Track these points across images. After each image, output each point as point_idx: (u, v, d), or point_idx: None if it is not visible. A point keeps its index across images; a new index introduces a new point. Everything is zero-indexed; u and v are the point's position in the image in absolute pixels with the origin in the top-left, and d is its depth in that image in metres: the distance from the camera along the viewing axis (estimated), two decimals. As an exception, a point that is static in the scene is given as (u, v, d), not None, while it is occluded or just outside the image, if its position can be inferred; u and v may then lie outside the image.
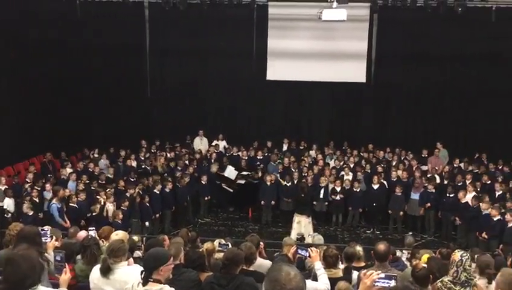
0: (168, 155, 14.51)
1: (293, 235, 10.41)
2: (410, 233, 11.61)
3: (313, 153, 15.15)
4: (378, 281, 2.92)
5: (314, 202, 12.42)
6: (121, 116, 16.36)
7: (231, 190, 13.57)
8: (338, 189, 12.71)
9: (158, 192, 11.80)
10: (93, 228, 7.00)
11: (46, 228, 5.88)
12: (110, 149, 14.79)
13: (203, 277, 4.71)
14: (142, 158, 14.15)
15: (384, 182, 12.85)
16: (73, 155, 14.91)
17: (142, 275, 3.56)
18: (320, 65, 15.65)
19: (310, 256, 5.13)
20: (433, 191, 12.24)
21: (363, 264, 6.03)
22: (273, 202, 12.84)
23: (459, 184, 12.35)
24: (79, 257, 5.20)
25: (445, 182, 12.89)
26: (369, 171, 13.52)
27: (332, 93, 16.40)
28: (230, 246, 6.27)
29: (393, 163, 14.18)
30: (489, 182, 12.51)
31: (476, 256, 6.00)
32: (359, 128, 16.58)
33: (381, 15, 15.48)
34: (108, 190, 11.16)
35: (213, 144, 15.46)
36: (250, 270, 4.96)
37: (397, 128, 16.30)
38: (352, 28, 15.17)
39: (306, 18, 15.15)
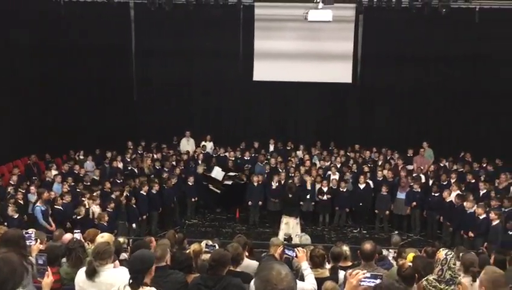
0: (155, 156, 14.43)
1: (281, 236, 10.45)
2: (396, 232, 11.69)
3: (300, 153, 15.19)
4: (364, 281, 2.94)
5: (301, 202, 12.44)
6: (107, 118, 16.25)
7: (218, 191, 13.55)
8: (325, 189, 12.76)
9: (145, 193, 11.73)
10: (79, 231, 6.94)
11: (31, 231, 5.82)
12: (96, 151, 14.66)
13: (190, 279, 4.69)
14: (129, 160, 14.05)
15: (370, 182, 12.93)
16: (58, 157, 14.74)
17: (130, 279, 3.53)
18: (307, 66, 15.71)
19: (296, 256, 5.14)
20: (419, 190, 12.35)
21: (349, 263, 6.06)
22: (260, 203, 12.84)
23: (444, 183, 12.48)
24: (64, 259, 5.15)
25: (431, 181, 13.02)
26: (355, 171, 13.60)
27: (319, 93, 16.44)
28: (217, 247, 6.25)
29: (379, 163, 14.28)
30: (473, 181, 12.66)
31: (460, 254, 6.07)
32: (345, 128, 16.67)
33: (367, 16, 15.59)
34: (95, 193, 11.06)
35: (200, 145, 15.42)
36: (237, 271, 4.96)
37: (383, 128, 16.41)
38: (338, 29, 15.26)
39: (292, 19, 15.21)
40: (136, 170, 13.47)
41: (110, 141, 15.20)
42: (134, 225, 11.25)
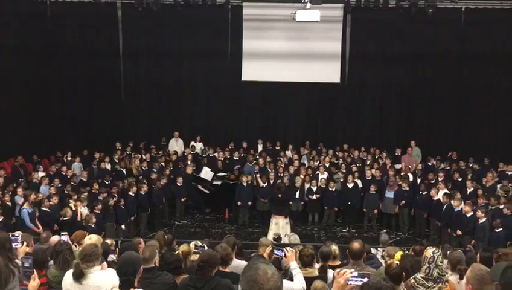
0: (143, 157, 14.36)
1: (270, 236, 10.46)
2: (385, 231, 11.76)
3: (289, 153, 15.22)
4: (351, 280, 2.94)
5: (290, 202, 12.46)
6: (95, 118, 16.14)
7: (207, 191, 13.53)
8: (314, 189, 12.80)
9: (133, 194, 11.68)
10: (66, 233, 6.87)
11: (17, 233, 5.77)
12: (84, 152, 14.55)
13: (179, 280, 4.68)
14: (117, 161, 13.96)
15: (359, 181, 12.99)
16: (45, 158, 14.60)
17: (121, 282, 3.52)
18: (295, 66, 15.75)
19: (285, 256, 5.14)
20: (407, 189, 12.44)
21: (338, 263, 6.08)
22: (249, 203, 12.84)
23: (431, 182, 12.58)
24: (51, 262, 5.10)
25: (419, 180, 13.12)
26: (344, 171, 13.66)
27: (307, 93, 16.50)
28: (206, 247, 6.24)
29: (368, 162, 14.35)
30: (460, 179, 12.77)
31: (447, 252, 6.12)
32: (334, 128, 16.74)
33: (354, 16, 15.66)
34: (82, 195, 10.97)
35: (189, 145, 15.38)
36: (226, 272, 4.95)
37: (371, 127, 16.50)
38: (326, 29, 15.32)
39: (280, 19, 15.22)
40: (124, 171, 13.40)
41: (98, 142, 15.10)
42: (123, 226, 11.19)
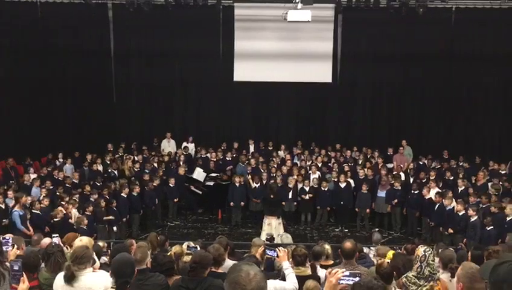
0: (135, 158, 14.31)
1: (263, 236, 10.46)
2: (377, 230, 11.81)
3: (281, 153, 15.23)
4: (343, 279, 2.96)
5: (283, 202, 12.47)
6: (86, 120, 16.05)
7: (200, 192, 13.51)
8: (307, 189, 12.82)
9: (125, 196, 11.63)
10: (57, 235, 6.83)
11: (8, 236, 5.73)
12: (75, 153, 14.47)
13: (172, 281, 4.66)
14: (109, 162, 13.90)
15: (351, 181, 13.03)
16: (36, 160, 14.50)
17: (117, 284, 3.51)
18: (287, 66, 15.75)
19: (277, 256, 5.15)
20: (399, 188, 12.49)
21: (331, 262, 6.11)
22: (242, 203, 12.84)
23: (423, 181, 12.65)
24: (43, 264, 5.07)
25: (411, 179, 13.18)
26: (336, 170, 13.69)
27: (299, 93, 16.50)
28: (198, 248, 6.24)
29: (360, 162, 14.40)
30: (452, 178, 12.85)
31: (439, 251, 6.16)
32: (326, 128, 16.76)
33: (346, 16, 15.70)
34: (75, 197, 10.91)
35: (182, 146, 15.34)
36: (219, 272, 4.94)
37: (363, 127, 16.55)
38: (317, 29, 15.34)
39: (272, 19, 15.20)
40: (116, 173, 13.34)
41: (90, 143, 15.01)
42: (115, 228, 11.13)
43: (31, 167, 13.38)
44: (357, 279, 2.93)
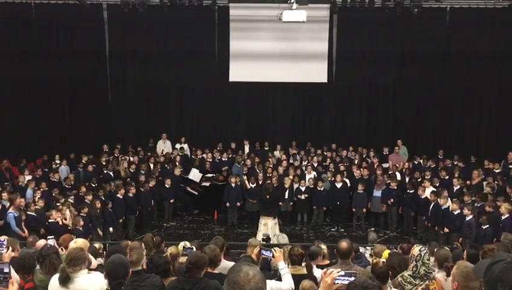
0: (131, 159, 14.27)
1: (259, 236, 10.45)
2: (373, 229, 11.83)
3: (277, 153, 15.22)
4: (338, 279, 2.96)
5: (280, 203, 12.47)
6: (82, 121, 16.00)
7: (196, 193, 13.49)
8: (303, 188, 12.83)
9: (121, 197, 11.60)
10: (52, 237, 6.81)
11: (3, 238, 5.70)
12: (71, 155, 14.42)
13: (168, 282, 4.65)
14: (104, 163, 13.86)
15: (347, 181, 13.05)
16: (31, 162, 14.44)
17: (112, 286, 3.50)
18: (282, 66, 15.75)
19: (273, 256, 5.15)
20: (395, 188, 12.52)
21: (327, 262, 6.12)
22: (238, 204, 12.83)
23: (418, 180, 12.68)
24: (38, 266, 5.05)
25: (407, 178, 13.21)
26: (332, 170, 13.70)
27: (295, 93, 16.52)
28: (194, 249, 6.23)
29: (356, 161, 14.42)
30: (447, 177, 12.89)
31: (434, 250, 6.18)
32: (322, 127, 16.77)
33: (341, 16, 15.70)
34: (70, 198, 10.87)
35: (177, 147, 15.31)
36: (215, 273, 4.94)
37: (358, 127, 16.57)
38: (312, 29, 15.35)
39: (267, 19, 15.20)
40: (111, 174, 13.30)
41: (85, 144, 14.97)
42: (111, 229, 11.11)
43: (26, 168, 13.32)
44: (352, 279, 2.93)
